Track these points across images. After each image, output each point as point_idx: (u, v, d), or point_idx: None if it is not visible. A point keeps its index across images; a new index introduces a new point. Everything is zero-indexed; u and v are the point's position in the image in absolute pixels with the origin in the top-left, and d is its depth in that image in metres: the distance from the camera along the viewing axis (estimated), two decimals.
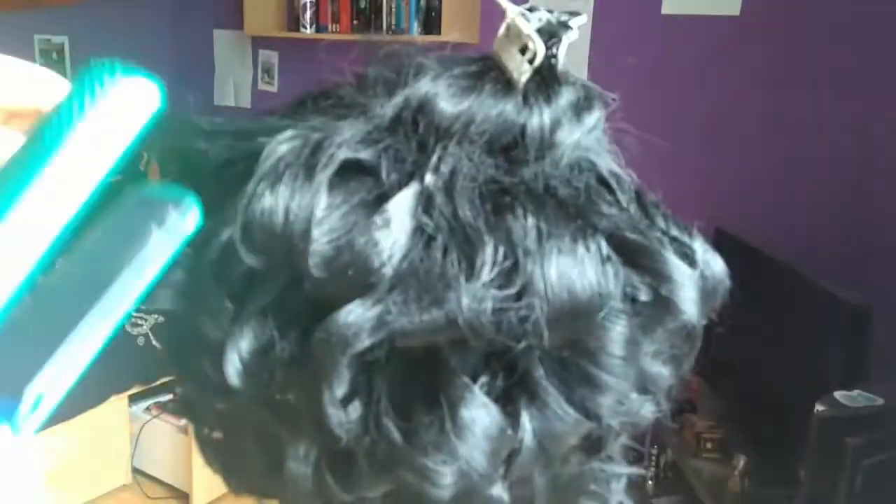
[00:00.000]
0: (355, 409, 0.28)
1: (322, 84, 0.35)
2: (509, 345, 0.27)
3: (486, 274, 0.27)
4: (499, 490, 0.29)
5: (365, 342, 0.27)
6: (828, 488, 1.62)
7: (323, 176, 0.28)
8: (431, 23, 3.00)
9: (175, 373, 0.33)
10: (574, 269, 0.27)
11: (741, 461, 2.03)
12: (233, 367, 0.29)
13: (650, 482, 2.38)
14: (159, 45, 3.86)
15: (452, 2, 2.94)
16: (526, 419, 0.28)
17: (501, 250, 0.27)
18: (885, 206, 2.29)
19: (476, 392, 0.28)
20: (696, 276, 0.31)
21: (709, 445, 2.20)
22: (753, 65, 2.48)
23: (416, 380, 0.28)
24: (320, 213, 0.27)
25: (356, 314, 0.27)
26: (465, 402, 0.27)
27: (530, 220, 0.28)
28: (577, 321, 0.28)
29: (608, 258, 0.29)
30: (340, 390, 0.28)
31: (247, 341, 0.29)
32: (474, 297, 0.27)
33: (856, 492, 1.58)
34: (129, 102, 0.25)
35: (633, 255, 0.30)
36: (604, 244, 0.29)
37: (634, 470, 0.35)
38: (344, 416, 0.28)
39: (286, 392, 0.29)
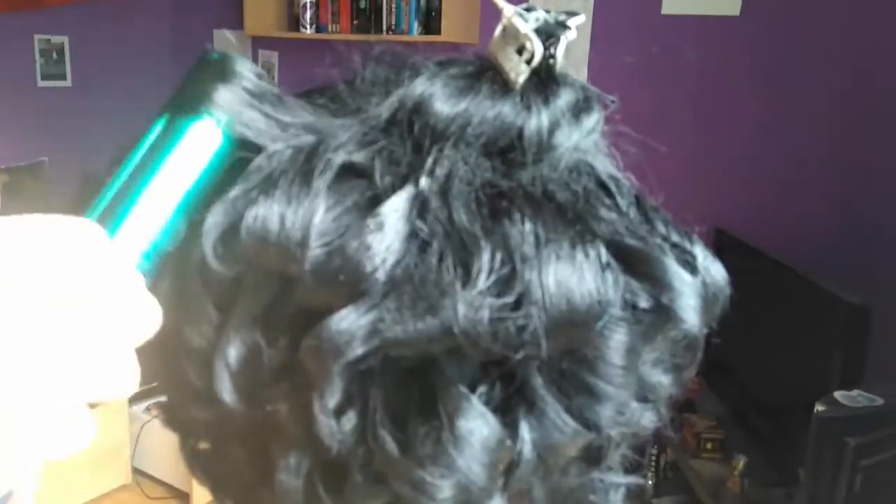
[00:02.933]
0: (349, 419, 0.27)
1: (321, 80, 0.34)
2: (507, 354, 0.27)
3: (483, 281, 0.26)
4: (498, 502, 0.29)
5: (357, 350, 0.26)
6: (827, 488, 1.62)
7: (321, 182, 0.27)
8: (431, 23, 3.00)
9: (159, 381, 0.32)
10: (573, 277, 0.27)
11: (741, 461, 2.03)
12: (220, 377, 0.28)
13: (650, 483, 2.38)
14: (159, 45, 3.86)
15: (452, 2, 2.94)
16: (525, 430, 0.27)
17: (499, 256, 0.26)
18: (884, 206, 2.29)
19: (474, 402, 0.27)
20: (696, 283, 0.30)
21: (709, 445, 2.20)
22: (753, 65, 2.48)
23: (411, 389, 0.27)
24: (318, 220, 0.26)
25: (348, 321, 0.26)
26: (463, 413, 0.26)
27: (528, 226, 0.27)
28: (575, 330, 0.27)
29: (607, 265, 0.28)
30: (333, 400, 0.27)
31: (235, 349, 0.28)
32: (470, 305, 0.26)
33: (855, 491, 1.58)
34: (199, 144, 0.29)
35: (632, 261, 0.29)
36: (603, 250, 0.28)
37: (633, 479, 0.34)
38: (337, 427, 0.27)
39: (276, 402, 0.28)
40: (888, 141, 2.28)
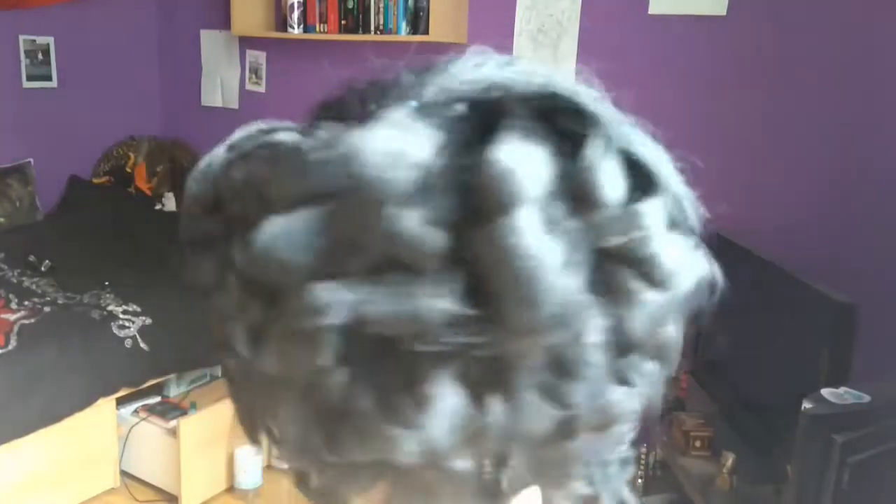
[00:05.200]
0: (340, 376, 0.30)
1: (359, 81, 0.37)
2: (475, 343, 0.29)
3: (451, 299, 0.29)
4: (465, 463, 0.32)
5: (336, 319, 0.29)
6: (815, 485, 1.63)
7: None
8: (419, 23, 3.00)
9: (211, 332, 0.37)
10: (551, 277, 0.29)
11: (730, 459, 2.04)
12: (237, 335, 0.33)
13: (639, 481, 2.39)
14: (146, 45, 3.84)
15: (440, 2, 2.94)
16: (492, 404, 0.30)
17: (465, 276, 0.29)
18: (871, 206, 2.31)
19: (443, 373, 0.29)
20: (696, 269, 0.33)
21: (697, 443, 2.21)
22: (740, 65, 2.49)
23: (389, 356, 0.30)
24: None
25: (330, 292, 0.29)
26: (430, 381, 0.29)
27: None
28: (552, 332, 0.29)
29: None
30: (325, 359, 0.30)
31: (249, 313, 0.32)
32: (440, 310, 0.29)
33: (843, 488, 1.59)
34: None
35: (617, 258, 0.31)
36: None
37: (624, 453, 0.36)
38: (328, 382, 0.30)
39: (280, 358, 0.32)
40: (876, 141, 2.30)
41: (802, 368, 1.90)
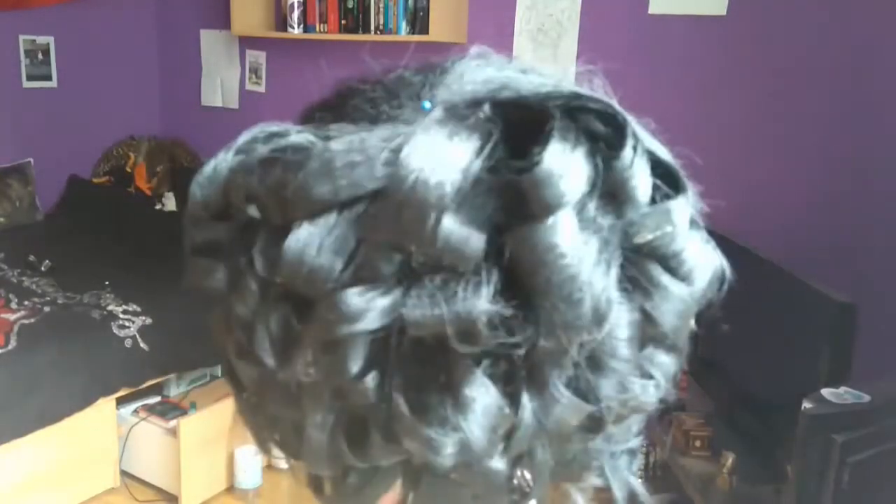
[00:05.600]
0: (371, 381, 0.30)
1: (356, 81, 0.37)
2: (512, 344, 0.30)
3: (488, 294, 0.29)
4: (498, 463, 0.32)
5: (372, 324, 0.29)
6: (815, 484, 1.63)
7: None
8: (419, 23, 3.00)
9: (215, 340, 0.36)
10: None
11: (729, 458, 2.04)
12: (260, 341, 0.32)
13: (639, 480, 2.39)
14: (146, 45, 3.84)
15: (440, 2, 2.94)
16: (525, 400, 0.31)
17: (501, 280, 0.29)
18: (871, 204, 2.31)
19: (477, 373, 0.30)
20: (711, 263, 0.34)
21: (697, 443, 2.21)
22: (740, 64, 2.50)
23: (424, 359, 0.30)
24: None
25: (365, 298, 0.29)
26: (467, 382, 0.30)
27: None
28: (583, 330, 0.30)
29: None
30: (355, 365, 0.30)
31: (274, 321, 0.32)
32: (479, 309, 0.29)
33: (843, 488, 1.59)
34: None
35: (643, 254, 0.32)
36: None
37: (635, 444, 0.37)
38: (358, 388, 0.30)
39: (308, 365, 0.31)
40: (875, 140, 2.30)
41: (802, 368, 1.90)
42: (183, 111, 3.84)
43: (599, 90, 0.35)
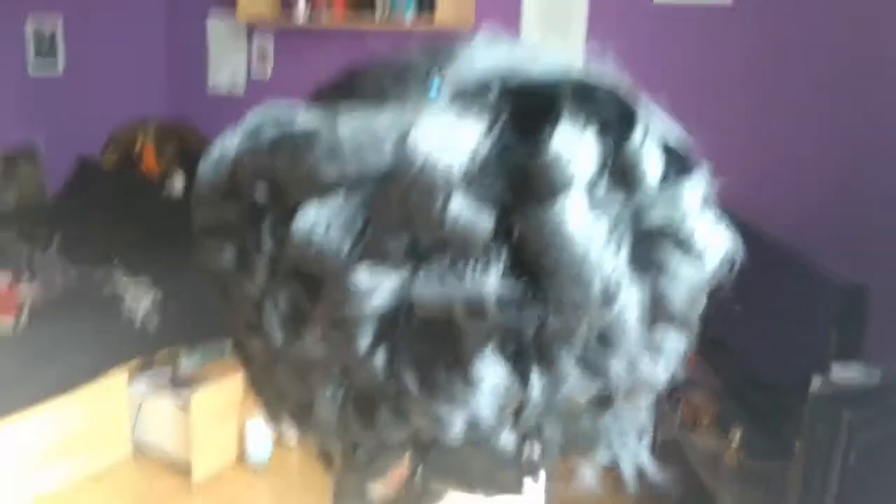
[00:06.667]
0: (379, 358, 0.30)
1: (365, 63, 0.37)
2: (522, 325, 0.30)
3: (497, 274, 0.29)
4: (507, 439, 0.32)
5: (381, 302, 0.30)
6: (823, 462, 1.64)
7: None
8: (426, 7, 2.99)
9: (225, 315, 0.37)
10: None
11: (737, 435, 2.05)
12: (269, 317, 0.32)
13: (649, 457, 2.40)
14: (153, 31, 3.84)
15: None
16: (534, 378, 0.31)
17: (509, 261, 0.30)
18: (879, 185, 2.30)
19: (486, 352, 0.30)
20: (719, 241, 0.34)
21: (705, 420, 2.23)
22: (746, 53, 2.48)
23: (433, 337, 0.30)
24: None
25: (373, 277, 0.30)
26: (476, 360, 0.30)
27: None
28: (591, 309, 0.30)
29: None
30: (364, 341, 0.30)
31: (283, 299, 0.32)
32: (490, 287, 0.29)
33: (850, 466, 1.60)
34: None
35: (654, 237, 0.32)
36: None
37: (644, 422, 0.37)
38: (367, 365, 0.31)
39: (317, 342, 0.32)
40: (882, 126, 2.29)
41: (811, 347, 1.91)
42: (189, 97, 3.84)
43: (609, 72, 0.34)
